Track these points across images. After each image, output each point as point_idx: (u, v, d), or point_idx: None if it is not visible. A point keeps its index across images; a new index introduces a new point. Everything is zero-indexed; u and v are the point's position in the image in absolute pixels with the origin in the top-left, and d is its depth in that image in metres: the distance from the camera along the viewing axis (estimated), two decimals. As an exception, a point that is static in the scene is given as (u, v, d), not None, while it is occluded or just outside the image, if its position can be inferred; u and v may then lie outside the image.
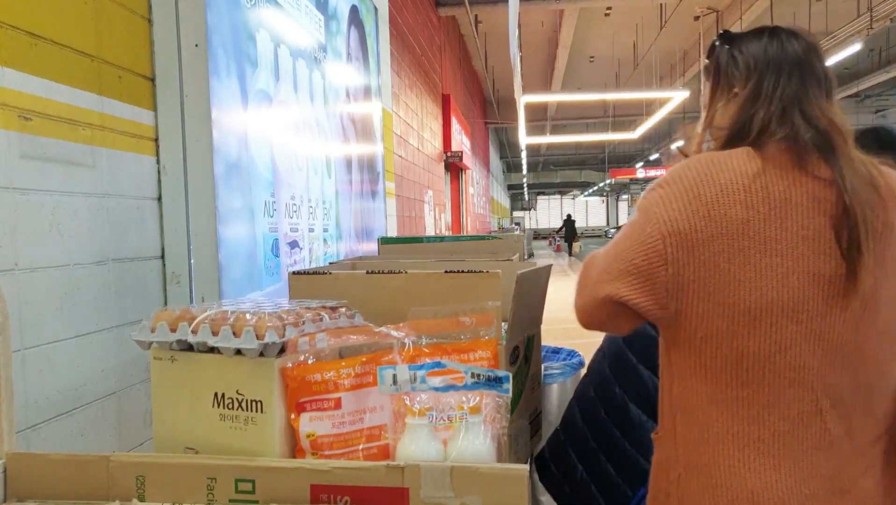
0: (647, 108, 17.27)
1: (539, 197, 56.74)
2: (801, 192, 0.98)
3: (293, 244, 2.42)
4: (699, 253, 0.98)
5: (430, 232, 8.19)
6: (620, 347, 1.61)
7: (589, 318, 1.08)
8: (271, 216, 2.22)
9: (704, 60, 1.19)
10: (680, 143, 1.18)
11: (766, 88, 1.04)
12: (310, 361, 1.02)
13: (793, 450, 1.00)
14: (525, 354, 1.44)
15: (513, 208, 49.04)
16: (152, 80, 1.85)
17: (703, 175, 1.00)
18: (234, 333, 1.00)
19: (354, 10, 3.42)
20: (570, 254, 23.54)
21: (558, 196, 58.42)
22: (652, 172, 28.68)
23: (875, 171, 1.01)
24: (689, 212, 0.98)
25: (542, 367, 1.82)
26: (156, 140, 1.86)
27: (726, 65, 1.11)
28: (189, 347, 1.05)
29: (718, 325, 0.99)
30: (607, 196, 55.09)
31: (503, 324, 1.27)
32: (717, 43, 1.14)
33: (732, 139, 1.06)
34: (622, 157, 37.44)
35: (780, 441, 1.00)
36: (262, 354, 1.00)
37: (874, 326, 1.00)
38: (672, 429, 1.08)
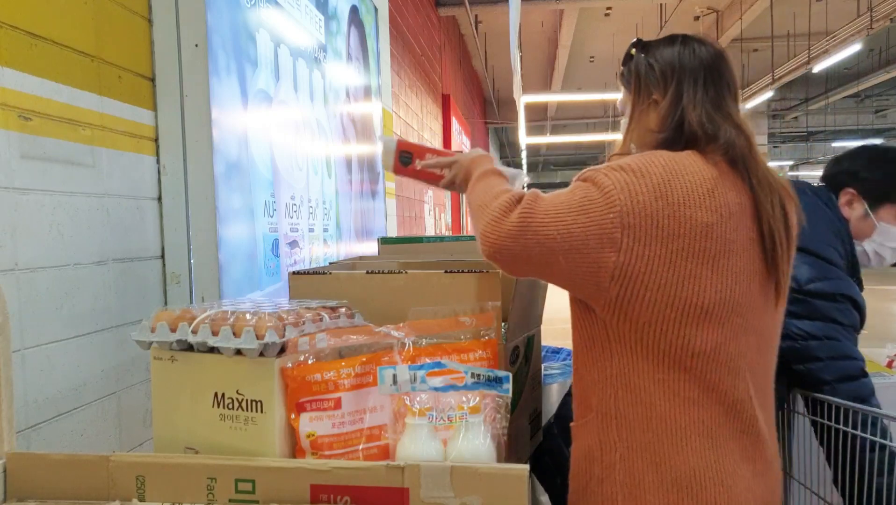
0: (647, 108, 17.23)
1: (539, 197, 56.52)
2: (745, 198, 1.07)
3: (293, 244, 2.42)
4: (656, 248, 1.00)
5: (430, 232, 8.19)
6: None
7: (497, 257, 1.06)
8: (271, 216, 2.22)
9: (620, 68, 1.23)
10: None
11: (688, 94, 1.10)
12: (310, 361, 1.02)
13: (729, 432, 1.06)
14: (525, 354, 1.44)
15: (513, 208, 48.85)
16: (152, 80, 1.85)
17: (670, 174, 1.03)
18: (234, 333, 1.00)
19: (354, 10, 3.42)
20: None
21: (558, 196, 58.21)
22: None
23: (776, 177, 1.12)
24: (656, 207, 1.01)
25: (542, 367, 1.82)
26: (156, 140, 1.86)
27: (645, 73, 1.16)
28: (189, 347, 1.05)
29: (667, 314, 1.02)
30: (607, 196, 54.87)
31: (503, 324, 1.27)
32: (633, 51, 1.19)
33: (666, 143, 1.11)
34: (622, 158, 37.30)
35: (717, 423, 1.05)
36: (262, 354, 1.00)
37: (780, 322, 1.15)
38: (611, 409, 1.07)
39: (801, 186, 1.71)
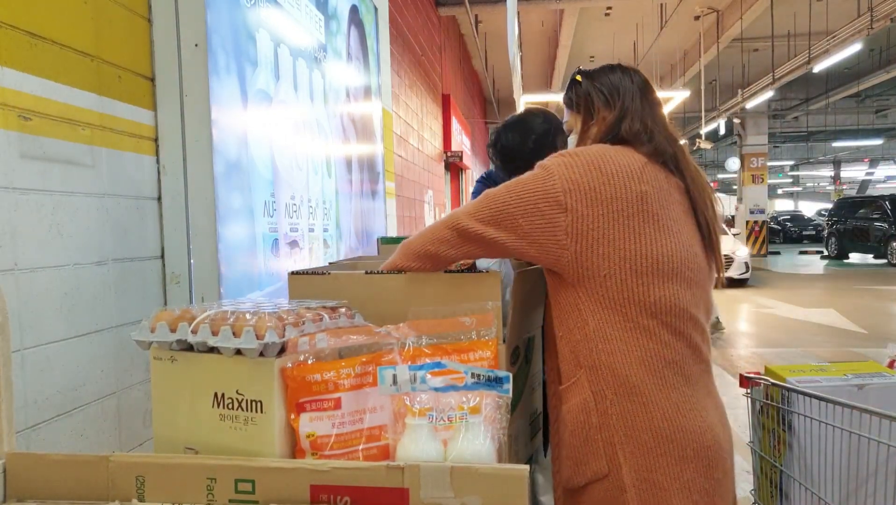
0: (648, 107, 17.23)
1: (539, 197, 56.50)
2: (676, 182, 1.27)
3: (293, 244, 2.41)
4: (598, 207, 1.18)
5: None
6: None
7: (462, 234, 1.24)
8: (271, 216, 2.22)
9: (564, 96, 1.45)
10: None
11: (630, 108, 1.32)
12: (310, 361, 1.02)
13: (697, 371, 1.23)
14: (525, 354, 1.44)
15: (513, 208, 48.81)
16: (152, 79, 1.85)
17: (602, 154, 1.23)
18: (233, 333, 0.99)
19: (354, 10, 3.42)
20: None
21: (558, 196, 58.21)
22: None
23: (706, 178, 1.34)
24: (591, 177, 1.19)
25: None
26: (155, 140, 1.86)
27: (594, 95, 1.37)
28: (189, 347, 1.05)
29: (623, 266, 1.18)
30: (607, 196, 54.87)
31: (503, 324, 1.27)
32: (579, 78, 1.41)
33: (603, 141, 1.31)
34: (622, 157, 37.30)
35: (688, 363, 1.22)
36: (261, 354, 1.00)
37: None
38: (596, 362, 1.21)
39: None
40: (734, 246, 12.26)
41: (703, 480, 1.20)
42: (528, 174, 1.24)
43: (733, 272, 11.92)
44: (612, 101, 1.34)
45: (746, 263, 12.19)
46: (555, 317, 1.28)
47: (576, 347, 1.23)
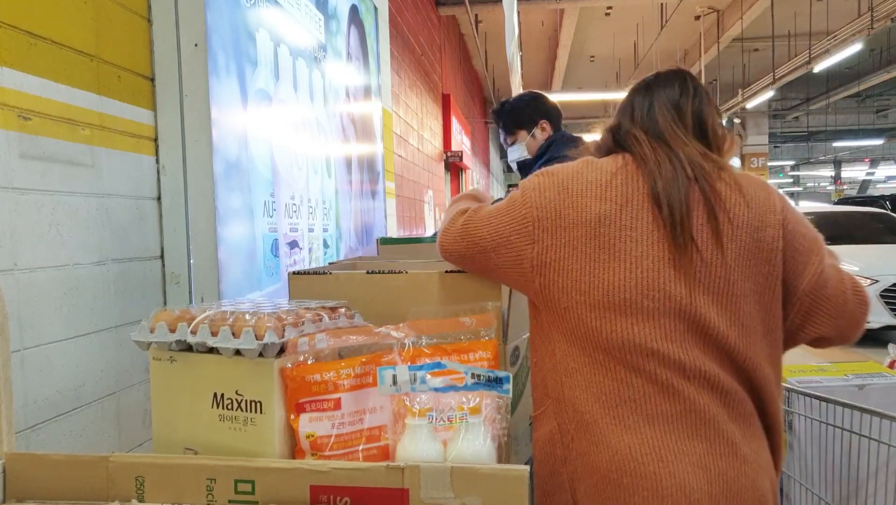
0: (648, 107, 17.23)
1: (539, 197, 56.52)
2: (644, 191, 1.13)
3: (293, 244, 2.41)
4: (561, 236, 1.13)
5: (430, 232, 8.18)
6: None
7: (447, 257, 1.28)
8: (271, 216, 2.22)
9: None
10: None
11: (623, 110, 1.27)
12: (309, 362, 1.02)
13: (670, 411, 1.08)
14: (525, 354, 1.44)
15: (513, 208, 48.90)
16: (152, 79, 1.85)
17: (575, 173, 1.17)
18: (233, 334, 0.99)
19: (354, 10, 3.42)
20: None
21: (558, 196, 58.24)
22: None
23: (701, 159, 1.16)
24: (559, 200, 1.14)
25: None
26: (155, 140, 1.86)
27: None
28: (188, 348, 1.05)
29: (578, 300, 1.11)
30: (607, 196, 54.87)
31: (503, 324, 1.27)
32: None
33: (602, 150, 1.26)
34: (622, 157, 37.30)
35: (653, 403, 1.08)
36: (261, 355, 0.99)
37: (717, 306, 1.11)
38: (560, 394, 1.14)
39: None
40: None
41: None
42: (508, 200, 1.22)
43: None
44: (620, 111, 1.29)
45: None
46: (531, 341, 1.24)
47: (545, 376, 1.18)
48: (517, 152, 2.61)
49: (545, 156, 2.47)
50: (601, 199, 1.12)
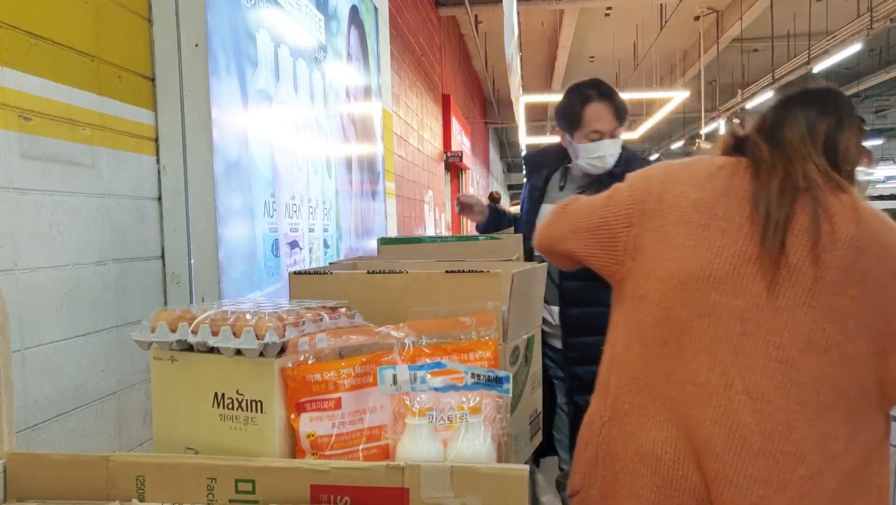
0: (648, 108, 17.27)
1: (539, 197, 56.52)
2: (746, 187, 1.11)
3: (293, 244, 2.41)
4: (656, 221, 1.14)
5: (430, 232, 8.19)
6: None
7: (544, 249, 1.31)
8: (271, 216, 2.22)
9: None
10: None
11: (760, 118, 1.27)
12: (310, 361, 1.02)
13: (704, 415, 1.05)
14: (525, 354, 1.44)
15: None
16: (152, 79, 1.85)
17: (685, 163, 1.20)
18: (234, 334, 0.99)
19: (354, 10, 3.42)
20: None
21: (558, 196, 58.26)
22: (652, 172, 28.61)
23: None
24: (661, 188, 1.16)
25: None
26: (156, 140, 1.86)
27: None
28: (189, 347, 1.05)
29: (654, 285, 1.12)
30: (607, 196, 54.92)
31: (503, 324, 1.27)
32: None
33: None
34: (622, 158, 37.32)
35: (688, 405, 1.07)
36: (262, 354, 1.00)
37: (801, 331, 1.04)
38: (607, 382, 1.19)
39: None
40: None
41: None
42: (613, 187, 1.24)
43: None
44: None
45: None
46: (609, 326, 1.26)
47: (608, 362, 1.22)
48: (618, 146, 2.12)
49: (620, 166, 2.10)
50: (701, 187, 1.12)
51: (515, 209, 2.62)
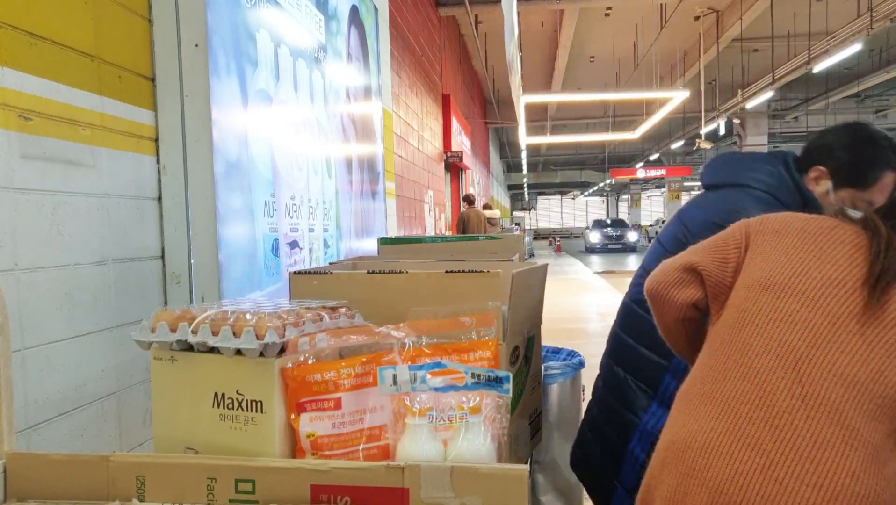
0: (648, 108, 17.28)
1: (539, 197, 56.69)
2: (863, 245, 1.12)
3: (293, 244, 2.42)
4: (761, 243, 1.21)
5: (430, 232, 8.19)
6: (616, 332, 1.78)
7: (660, 278, 1.29)
8: (271, 216, 2.22)
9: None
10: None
11: None
12: (310, 361, 1.02)
13: (750, 410, 1.06)
14: (525, 354, 1.44)
15: (513, 208, 49.02)
16: (152, 79, 1.85)
17: (804, 215, 1.23)
18: (234, 333, 1.00)
19: (354, 10, 3.42)
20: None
21: (558, 196, 58.38)
22: (652, 172, 28.66)
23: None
24: (777, 223, 1.22)
25: (542, 367, 1.82)
26: (156, 140, 1.86)
27: None
28: (189, 347, 1.05)
29: (739, 293, 1.17)
30: (607, 196, 55.05)
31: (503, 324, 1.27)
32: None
33: None
34: (622, 158, 37.42)
35: (740, 398, 1.08)
36: (262, 354, 1.00)
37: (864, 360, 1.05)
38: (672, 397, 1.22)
39: (775, 155, 1.72)
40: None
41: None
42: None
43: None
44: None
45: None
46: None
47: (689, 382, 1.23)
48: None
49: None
50: (804, 220, 1.20)
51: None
